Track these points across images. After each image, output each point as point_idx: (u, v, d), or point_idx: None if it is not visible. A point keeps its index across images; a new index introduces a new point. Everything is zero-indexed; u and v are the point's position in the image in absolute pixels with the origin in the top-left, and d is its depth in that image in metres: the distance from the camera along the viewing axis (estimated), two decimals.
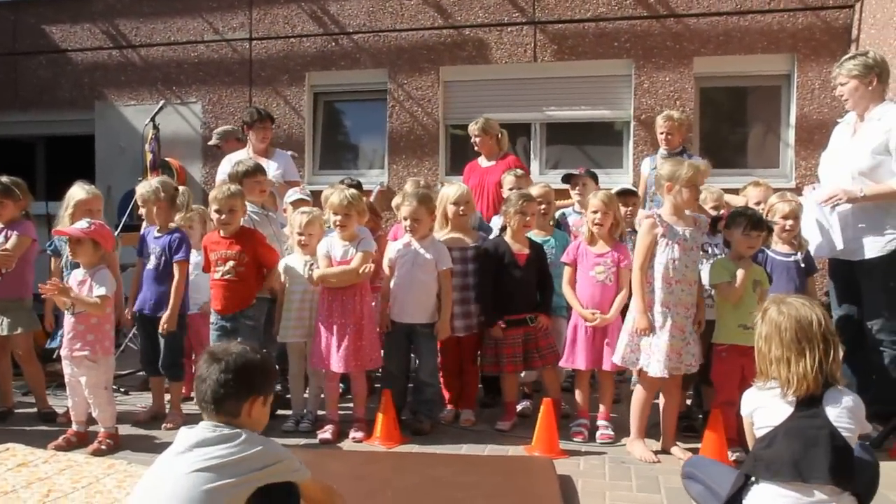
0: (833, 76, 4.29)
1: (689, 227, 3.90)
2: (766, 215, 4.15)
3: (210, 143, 7.11)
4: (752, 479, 2.53)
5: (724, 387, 3.90)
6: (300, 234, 4.45)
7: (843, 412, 2.47)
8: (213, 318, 4.44)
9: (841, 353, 2.56)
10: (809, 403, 2.48)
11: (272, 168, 5.79)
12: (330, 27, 8.06)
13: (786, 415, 2.50)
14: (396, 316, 4.41)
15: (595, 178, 5.27)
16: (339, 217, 4.28)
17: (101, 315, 4.03)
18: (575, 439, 4.17)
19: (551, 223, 5.00)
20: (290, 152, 6.54)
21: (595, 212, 4.27)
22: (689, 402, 4.50)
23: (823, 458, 2.37)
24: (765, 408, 2.56)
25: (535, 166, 7.60)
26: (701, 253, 4.10)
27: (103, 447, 3.98)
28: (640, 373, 3.98)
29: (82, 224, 4.10)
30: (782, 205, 4.19)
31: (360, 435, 4.21)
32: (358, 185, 5.54)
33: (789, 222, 4.16)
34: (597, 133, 7.72)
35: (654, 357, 3.85)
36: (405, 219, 4.38)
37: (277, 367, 4.46)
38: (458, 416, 4.60)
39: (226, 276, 4.34)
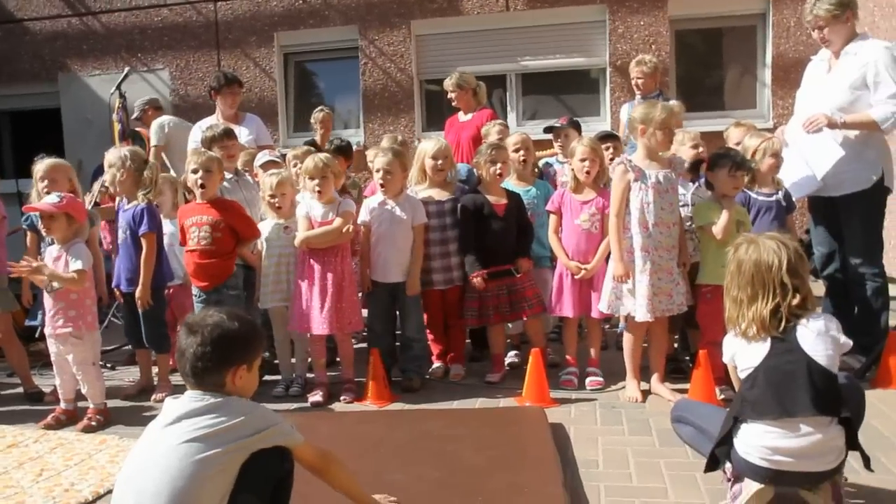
0: (807, 19, 4.22)
1: (663, 170, 3.89)
2: (752, 157, 4.13)
3: (133, 117, 6.93)
4: (741, 419, 2.56)
5: (709, 327, 3.93)
6: (272, 196, 4.38)
7: (818, 339, 2.46)
8: (195, 291, 4.39)
9: (807, 292, 2.54)
10: (783, 339, 2.50)
11: (244, 134, 5.68)
12: None
13: (763, 353, 2.51)
14: (378, 276, 4.38)
15: (578, 127, 5.22)
16: (316, 182, 4.21)
17: (79, 290, 3.95)
18: (565, 387, 4.21)
19: (535, 171, 4.96)
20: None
21: (583, 159, 4.23)
22: (675, 345, 4.54)
23: (804, 391, 2.39)
24: (743, 350, 2.58)
25: (511, 118, 7.54)
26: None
27: (94, 423, 3.95)
28: (627, 317, 4.00)
29: (52, 198, 4.00)
30: (766, 143, 4.17)
31: (350, 396, 4.21)
32: (347, 146, 5.47)
33: (771, 161, 4.15)
34: (573, 81, 7.65)
35: (638, 302, 3.88)
36: (377, 171, 4.32)
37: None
38: (447, 371, 4.62)
39: (202, 243, 4.23)
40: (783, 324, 2.49)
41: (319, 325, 4.17)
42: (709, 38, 7.61)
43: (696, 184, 4.28)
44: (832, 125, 4.03)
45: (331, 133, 6.39)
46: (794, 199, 4.27)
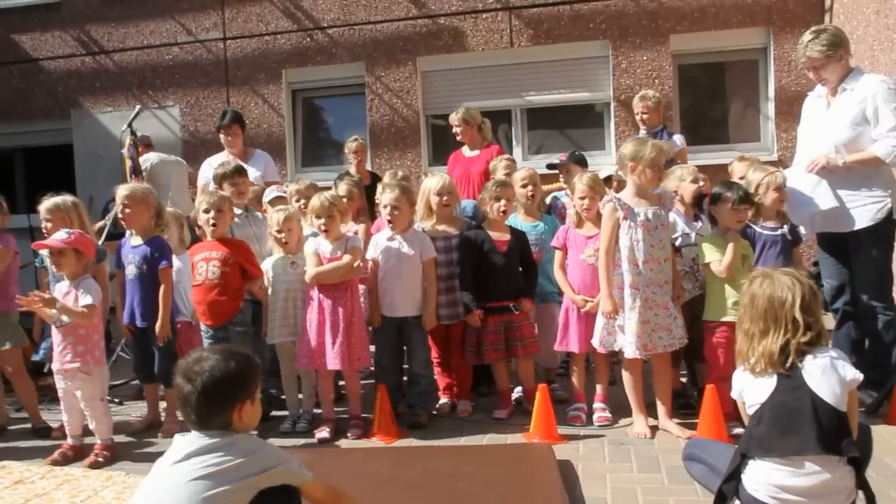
0: (801, 60, 4.26)
1: (652, 207, 3.93)
2: (755, 191, 4.15)
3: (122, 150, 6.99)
4: (748, 456, 2.54)
5: (716, 363, 3.94)
6: (279, 231, 4.42)
7: (823, 376, 2.44)
8: (203, 328, 4.41)
9: (820, 329, 2.54)
10: (790, 374, 2.49)
11: (251, 171, 5.75)
12: (304, 23, 8.00)
13: (770, 390, 2.50)
14: (386, 310, 4.39)
15: (581, 160, 5.26)
16: (322, 221, 4.25)
17: (88, 325, 3.98)
18: (573, 423, 4.19)
19: (541, 208, 5.00)
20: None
21: (582, 197, 4.28)
22: (683, 380, 4.52)
23: (810, 428, 2.37)
24: (750, 386, 2.57)
25: (517, 152, 7.61)
26: (680, 237, 4.17)
27: (100, 459, 3.95)
28: (620, 354, 4.04)
29: (61, 234, 4.04)
30: (770, 178, 4.19)
31: (357, 433, 4.20)
32: (359, 182, 5.56)
33: (775, 195, 4.16)
34: (578, 116, 7.73)
35: (627, 339, 3.92)
36: (385, 207, 4.36)
37: (271, 367, 4.52)
38: (454, 406, 4.61)
39: (210, 277, 4.28)
40: (790, 359, 2.49)
41: (330, 361, 4.17)
42: (711, 72, 7.70)
43: (700, 222, 4.30)
44: (833, 166, 4.06)
45: (338, 168, 6.44)
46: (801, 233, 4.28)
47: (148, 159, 6.46)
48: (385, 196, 4.38)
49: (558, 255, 4.38)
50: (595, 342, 4.08)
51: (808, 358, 2.49)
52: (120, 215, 4.49)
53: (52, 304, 3.88)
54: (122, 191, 4.57)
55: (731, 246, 3.87)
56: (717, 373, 3.90)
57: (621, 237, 3.93)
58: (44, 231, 4.46)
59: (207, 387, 2.13)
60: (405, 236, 4.36)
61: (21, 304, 3.91)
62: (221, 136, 6.01)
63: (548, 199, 5.28)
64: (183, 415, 2.21)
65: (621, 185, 4.86)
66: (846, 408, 2.45)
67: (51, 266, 4.46)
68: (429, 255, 4.36)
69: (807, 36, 4.16)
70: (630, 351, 3.92)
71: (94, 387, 4.02)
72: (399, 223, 4.35)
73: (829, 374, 2.46)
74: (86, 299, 3.93)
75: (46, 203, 4.54)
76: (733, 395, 2.70)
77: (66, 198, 4.61)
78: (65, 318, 3.95)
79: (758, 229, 4.16)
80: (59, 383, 4.06)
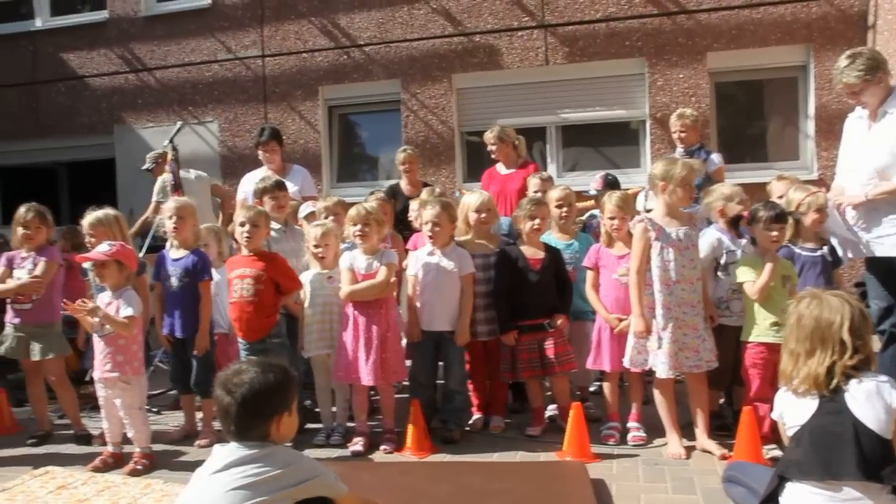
0: (837, 84, 4.17)
1: (683, 227, 3.92)
2: (796, 210, 4.10)
3: (143, 167, 7.10)
4: (786, 478, 2.50)
5: (753, 384, 3.89)
6: (316, 246, 4.48)
7: (867, 401, 2.40)
8: (241, 341, 4.48)
9: (868, 353, 2.50)
10: (832, 398, 2.44)
11: (289, 186, 5.83)
12: (341, 40, 8.13)
13: (811, 412, 2.46)
14: (425, 325, 4.42)
15: (614, 184, 5.26)
16: (358, 227, 4.30)
17: (128, 335, 4.07)
18: (606, 442, 4.15)
19: (576, 226, 5.00)
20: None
21: (612, 217, 4.28)
22: (721, 401, 4.47)
23: (850, 454, 2.33)
24: (791, 407, 2.54)
25: (552, 169, 7.60)
26: (725, 255, 4.14)
27: (139, 467, 4.02)
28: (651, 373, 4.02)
29: (103, 247, 4.15)
30: (811, 198, 4.13)
31: (390, 446, 4.22)
32: (392, 195, 5.63)
33: (816, 216, 4.11)
34: (613, 133, 7.71)
35: (660, 358, 3.90)
36: (426, 223, 4.39)
37: (305, 380, 4.56)
38: (487, 423, 4.60)
39: (244, 295, 4.34)
40: (835, 382, 2.44)
41: (364, 376, 4.21)
42: (749, 89, 7.63)
43: (745, 239, 4.25)
44: (858, 203, 4.00)
45: (373, 184, 6.47)
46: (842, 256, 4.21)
47: (166, 180, 6.52)
48: (426, 213, 4.42)
49: (590, 274, 4.37)
50: (626, 362, 4.06)
51: (854, 382, 2.44)
52: (172, 227, 4.58)
53: (96, 313, 3.98)
54: (172, 203, 4.68)
55: (768, 267, 3.82)
56: (752, 393, 3.86)
57: (653, 257, 3.92)
58: (88, 245, 4.58)
59: (247, 398, 2.18)
60: (444, 251, 4.39)
61: (66, 308, 4.01)
62: (260, 151, 6.13)
63: (584, 217, 5.27)
64: (222, 426, 2.26)
65: None
66: (891, 435, 2.39)
67: (93, 278, 4.57)
68: (467, 269, 4.38)
69: (842, 62, 4.07)
70: (662, 371, 3.89)
71: (132, 396, 4.10)
72: (440, 239, 4.38)
73: (875, 400, 2.41)
74: (127, 310, 4.02)
75: (89, 218, 4.65)
76: (773, 415, 2.67)
77: (108, 212, 4.72)
78: (107, 327, 4.04)
79: (797, 250, 4.10)
80: (100, 391, 4.15)
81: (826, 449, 2.37)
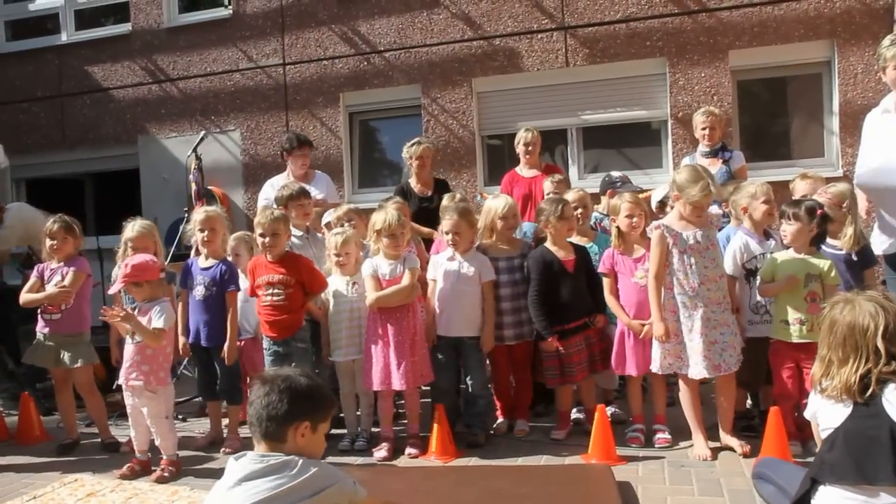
0: (879, 63, 4.12)
1: (699, 229, 3.89)
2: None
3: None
4: (819, 481, 2.46)
5: (777, 379, 3.92)
6: (337, 254, 4.49)
7: None
8: (265, 343, 4.51)
9: None
10: (869, 402, 2.39)
11: (313, 193, 5.86)
12: (361, 47, 8.16)
13: (845, 415, 2.42)
14: (443, 330, 4.42)
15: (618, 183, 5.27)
16: (388, 239, 4.31)
17: (156, 346, 4.11)
18: (631, 445, 4.12)
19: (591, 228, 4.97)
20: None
21: (629, 215, 4.24)
22: (748, 402, 4.42)
23: (887, 458, 2.28)
24: (825, 410, 2.49)
25: (573, 171, 7.56)
26: (755, 257, 4.13)
27: (166, 474, 4.06)
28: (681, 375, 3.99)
29: (116, 270, 4.16)
30: (834, 188, 4.09)
31: (415, 451, 4.22)
32: (403, 195, 5.60)
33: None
34: (634, 134, 7.64)
35: (693, 359, 3.86)
36: (446, 233, 4.39)
37: (330, 386, 4.58)
38: (511, 426, 4.58)
39: (275, 300, 4.39)
40: (871, 389, 2.39)
41: (396, 382, 4.22)
42: (772, 87, 7.52)
43: (773, 240, 4.20)
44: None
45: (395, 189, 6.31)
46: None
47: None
48: (444, 223, 4.43)
49: (607, 281, 4.33)
50: (655, 367, 4.02)
51: (891, 387, 2.39)
52: (203, 239, 4.62)
53: (130, 320, 4.02)
54: (201, 214, 4.72)
55: (784, 276, 3.83)
56: (776, 389, 3.90)
57: (674, 262, 3.90)
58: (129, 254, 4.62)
59: (275, 390, 2.21)
60: (465, 257, 4.39)
61: (104, 314, 4.06)
62: (290, 159, 6.08)
63: (593, 218, 5.22)
64: (247, 415, 2.29)
65: None
66: None
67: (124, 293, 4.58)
68: (488, 276, 4.37)
69: (886, 41, 4.00)
70: (697, 371, 3.85)
71: (159, 405, 4.14)
72: (460, 246, 4.38)
73: None
74: (158, 322, 4.05)
75: (129, 232, 4.67)
76: (807, 415, 2.63)
77: (146, 222, 4.80)
78: (137, 336, 4.09)
79: (825, 248, 4.04)
80: (128, 399, 4.20)
81: (861, 453, 2.33)
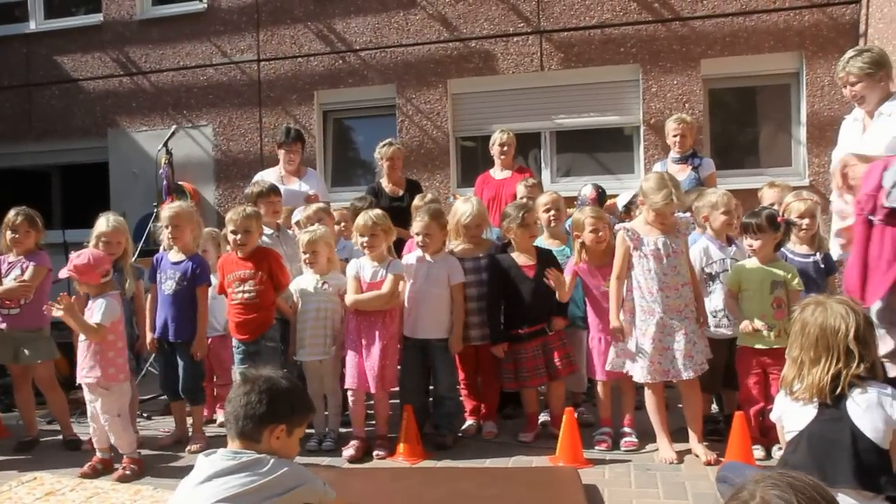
0: (839, 76, 4.20)
1: (662, 236, 3.93)
2: (783, 215, 4.12)
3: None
4: None
5: (742, 385, 3.97)
6: (304, 252, 4.46)
7: (867, 411, 2.39)
8: (234, 342, 4.46)
9: (873, 360, 2.48)
10: (833, 405, 2.44)
11: (304, 189, 5.83)
12: (337, 45, 8.12)
13: (809, 418, 2.46)
14: (410, 331, 4.41)
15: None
16: (366, 238, 4.30)
17: (99, 341, 4.03)
18: (599, 448, 4.15)
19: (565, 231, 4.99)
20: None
21: (594, 230, 4.24)
22: (713, 406, 4.47)
23: (847, 462, 2.32)
24: (790, 412, 2.54)
25: (546, 175, 7.61)
26: (716, 262, 4.20)
27: (128, 472, 3.99)
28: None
29: (70, 265, 4.08)
30: (798, 203, 4.17)
31: (383, 452, 4.20)
32: (375, 195, 5.58)
33: (805, 221, 4.14)
34: (607, 139, 7.71)
35: (638, 363, 3.94)
36: (417, 234, 4.38)
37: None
38: (480, 428, 4.59)
39: (246, 297, 4.34)
40: (839, 390, 2.43)
41: (371, 383, 4.22)
42: (742, 96, 7.65)
43: (734, 247, 4.26)
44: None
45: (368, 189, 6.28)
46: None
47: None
48: (415, 224, 4.41)
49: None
50: (608, 365, 4.10)
51: (857, 391, 2.43)
52: (168, 234, 4.56)
53: (73, 310, 3.94)
54: (167, 211, 4.65)
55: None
56: (741, 395, 3.96)
57: (635, 265, 3.96)
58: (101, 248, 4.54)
59: (253, 390, 2.21)
60: (435, 258, 4.38)
61: (47, 309, 4.00)
62: (282, 151, 6.06)
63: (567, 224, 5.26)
64: (224, 412, 2.26)
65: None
66: (889, 445, 2.39)
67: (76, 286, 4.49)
68: (457, 279, 4.37)
69: (849, 53, 4.09)
70: (640, 375, 3.94)
71: (111, 402, 4.06)
72: (430, 248, 4.38)
73: (874, 411, 2.40)
74: (97, 317, 3.99)
75: (102, 226, 4.57)
76: (772, 417, 2.67)
77: (119, 217, 4.71)
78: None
79: (789, 255, 4.12)
80: (87, 396, 4.12)
81: (823, 455, 2.37)
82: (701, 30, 7.24)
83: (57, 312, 3.94)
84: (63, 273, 4.13)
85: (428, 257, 4.38)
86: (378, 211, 4.49)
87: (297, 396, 2.31)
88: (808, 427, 2.45)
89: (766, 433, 3.83)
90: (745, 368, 3.92)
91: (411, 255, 4.52)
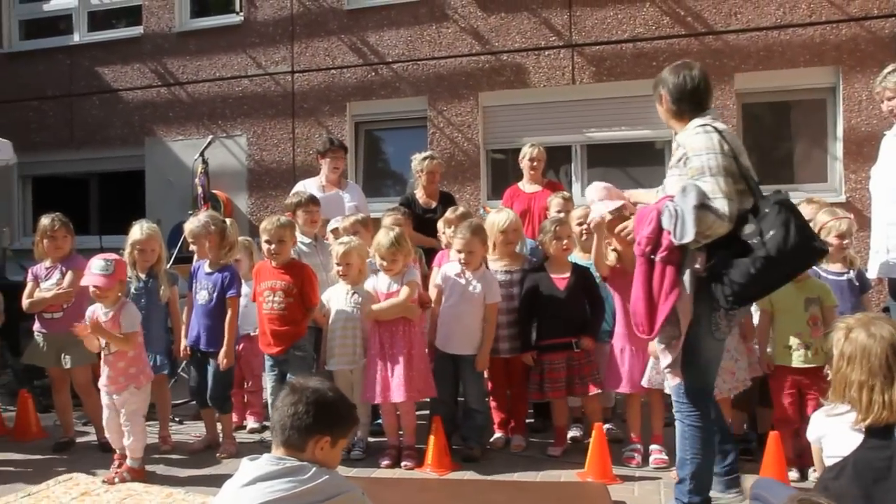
0: (877, 90, 4.17)
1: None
2: (818, 233, 4.06)
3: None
4: None
5: (777, 405, 3.91)
6: (338, 263, 4.51)
7: None
8: (266, 355, 4.52)
9: None
10: (881, 433, 2.35)
11: (346, 200, 5.87)
12: (370, 58, 8.21)
13: (855, 444, 2.38)
14: (442, 345, 4.43)
15: None
16: (385, 263, 4.34)
17: (131, 349, 4.14)
18: (628, 464, 4.12)
19: None
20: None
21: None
22: (745, 425, 4.42)
23: (895, 493, 2.27)
24: (833, 435, 2.46)
25: (576, 189, 7.59)
26: None
27: (117, 480, 4.03)
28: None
29: (98, 267, 4.14)
30: (834, 223, 4.11)
31: (410, 463, 4.22)
32: (408, 205, 5.62)
33: (844, 241, 4.08)
34: (638, 153, 7.68)
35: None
36: (459, 251, 4.38)
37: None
38: (508, 441, 4.58)
39: (275, 308, 4.39)
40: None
41: (394, 393, 4.23)
42: (777, 111, 7.57)
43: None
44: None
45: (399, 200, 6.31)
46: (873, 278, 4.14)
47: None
48: (457, 241, 4.39)
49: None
50: (644, 381, 4.05)
51: None
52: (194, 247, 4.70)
53: (99, 329, 4.04)
54: (185, 227, 4.77)
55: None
56: (776, 414, 3.90)
57: None
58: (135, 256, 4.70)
59: (301, 401, 2.22)
60: (475, 274, 4.39)
61: (74, 329, 4.11)
62: (327, 160, 6.01)
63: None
64: (270, 421, 2.32)
65: None
66: None
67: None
68: (493, 298, 4.37)
69: (888, 67, 4.06)
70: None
71: (138, 401, 4.18)
72: (472, 265, 4.38)
73: None
74: (127, 327, 4.11)
75: (136, 234, 4.70)
76: (810, 437, 2.60)
77: (152, 225, 4.85)
78: (111, 346, 4.14)
79: (822, 273, 4.06)
80: (104, 400, 4.23)
81: (871, 484, 2.28)
82: (735, 44, 7.19)
83: (84, 333, 4.06)
84: (85, 281, 4.21)
85: (468, 273, 4.39)
86: (399, 230, 4.47)
87: (343, 409, 2.33)
88: (854, 453, 2.35)
89: (800, 454, 3.77)
90: (780, 387, 3.87)
91: (451, 267, 4.52)
